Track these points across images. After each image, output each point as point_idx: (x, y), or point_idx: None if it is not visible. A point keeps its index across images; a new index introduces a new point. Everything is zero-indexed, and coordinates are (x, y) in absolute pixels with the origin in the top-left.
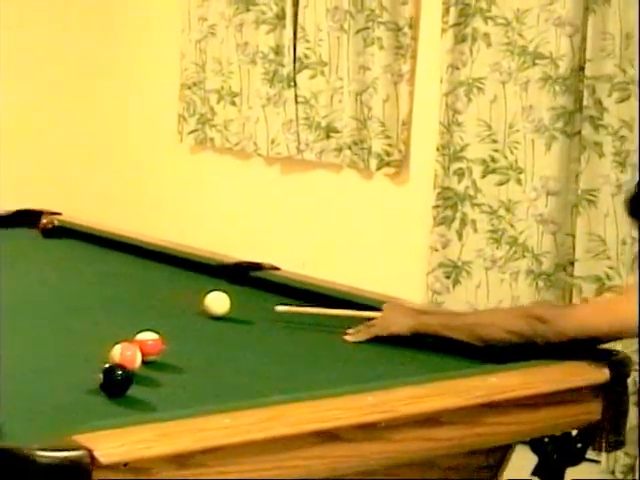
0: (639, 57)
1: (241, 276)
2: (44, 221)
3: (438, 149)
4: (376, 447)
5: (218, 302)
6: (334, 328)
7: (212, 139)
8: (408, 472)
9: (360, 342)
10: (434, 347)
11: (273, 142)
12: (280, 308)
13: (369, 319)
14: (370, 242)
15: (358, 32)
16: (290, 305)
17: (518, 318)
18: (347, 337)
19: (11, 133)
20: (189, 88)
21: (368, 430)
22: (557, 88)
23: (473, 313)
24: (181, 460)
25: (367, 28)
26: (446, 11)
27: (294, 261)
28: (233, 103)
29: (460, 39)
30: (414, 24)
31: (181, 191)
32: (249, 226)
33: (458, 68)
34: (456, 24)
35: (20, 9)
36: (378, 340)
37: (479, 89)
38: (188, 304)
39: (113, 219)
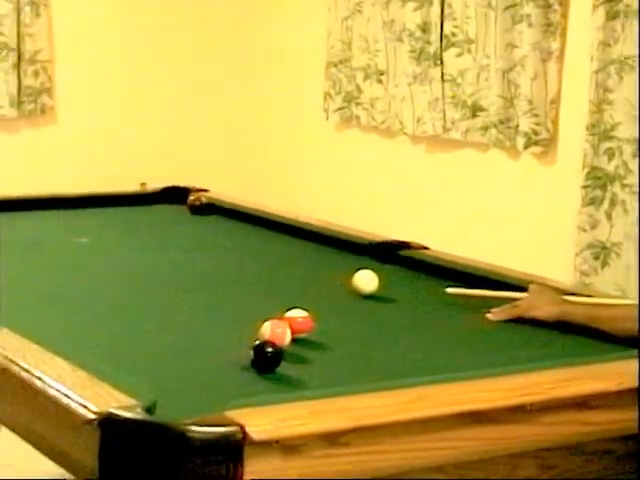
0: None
1: (389, 255)
2: (192, 198)
3: (587, 128)
4: (525, 430)
5: (366, 280)
6: (478, 308)
7: (358, 117)
8: (551, 455)
9: (501, 321)
10: (575, 330)
11: (419, 121)
12: (450, 290)
13: (514, 299)
14: (516, 222)
15: (506, 9)
16: (451, 287)
17: None
18: (489, 315)
19: (160, 112)
20: (335, 66)
21: (517, 412)
22: None
23: (620, 306)
24: (331, 438)
25: (515, 5)
26: None
27: (440, 240)
28: (379, 81)
29: (612, 16)
30: (564, 1)
31: (326, 169)
32: (394, 205)
33: (609, 45)
34: (607, 0)
35: None
36: (519, 321)
37: (631, 67)
38: (336, 282)
39: (259, 196)
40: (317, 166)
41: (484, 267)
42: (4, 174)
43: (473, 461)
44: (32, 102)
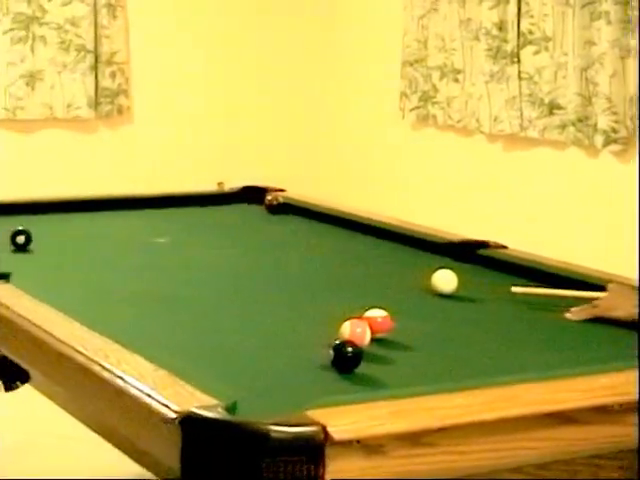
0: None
1: (467, 254)
2: (269, 198)
3: None
4: (609, 430)
5: (446, 280)
6: (557, 307)
7: (434, 116)
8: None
9: (580, 321)
10: None
11: (495, 119)
12: (516, 289)
13: (587, 299)
14: (594, 220)
15: (584, 6)
16: (525, 286)
17: None
18: (569, 315)
19: (236, 111)
20: (411, 65)
21: (601, 413)
22: None
23: None
24: (414, 438)
25: (593, 2)
26: None
27: (518, 239)
28: (456, 80)
29: None
30: None
31: (403, 167)
32: (471, 203)
33: None
34: None
35: None
36: (598, 321)
37: None
38: (415, 281)
39: (336, 196)
40: (393, 165)
41: (562, 266)
42: (82, 174)
43: (554, 462)
44: (109, 103)
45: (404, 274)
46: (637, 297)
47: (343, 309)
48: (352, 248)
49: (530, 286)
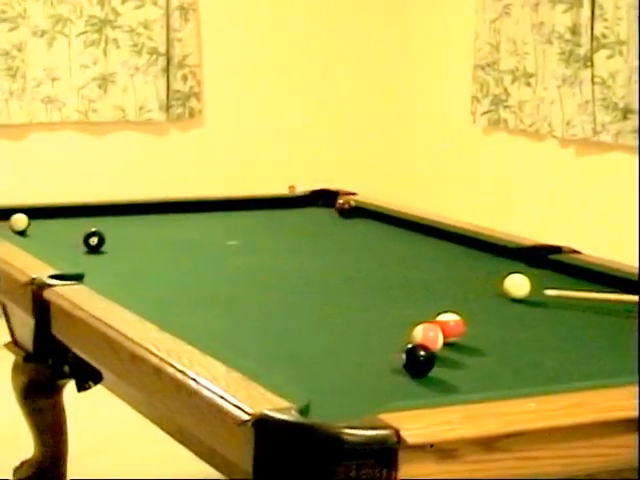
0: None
1: (540, 259)
2: (340, 201)
3: None
4: None
5: (519, 285)
6: (630, 313)
7: (505, 120)
8: None
9: None
10: None
11: (568, 124)
12: (550, 292)
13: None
14: None
15: None
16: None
17: None
18: None
19: (307, 115)
20: (483, 69)
21: None
22: None
23: None
24: (487, 443)
25: None
26: None
27: (591, 244)
28: (528, 84)
29: None
30: None
31: (474, 172)
32: (543, 208)
33: None
34: None
35: None
36: None
37: None
38: (487, 286)
39: (407, 199)
40: (465, 169)
41: (635, 271)
42: (153, 177)
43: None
44: (180, 106)
45: (476, 278)
46: None
47: (415, 313)
48: (424, 252)
49: (586, 290)
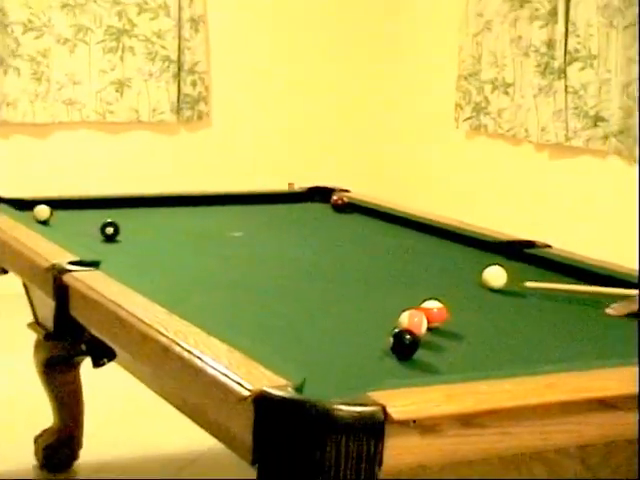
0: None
1: (516, 252)
2: (335, 197)
3: None
4: None
5: (496, 276)
6: (598, 303)
7: (486, 126)
8: None
9: (620, 316)
10: None
11: (543, 129)
12: (530, 284)
13: (621, 296)
14: (632, 223)
15: (627, 27)
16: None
17: None
18: (609, 310)
19: (305, 118)
20: (465, 79)
21: (634, 400)
22: None
23: None
24: (465, 419)
25: (635, 24)
26: None
27: (562, 239)
28: (506, 93)
29: None
30: None
31: (457, 172)
32: (519, 206)
33: None
34: None
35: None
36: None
37: None
38: (467, 277)
39: (396, 197)
40: (448, 170)
41: (601, 265)
42: (164, 173)
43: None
44: (190, 109)
45: (458, 270)
46: None
47: (402, 300)
48: (411, 245)
49: (556, 280)
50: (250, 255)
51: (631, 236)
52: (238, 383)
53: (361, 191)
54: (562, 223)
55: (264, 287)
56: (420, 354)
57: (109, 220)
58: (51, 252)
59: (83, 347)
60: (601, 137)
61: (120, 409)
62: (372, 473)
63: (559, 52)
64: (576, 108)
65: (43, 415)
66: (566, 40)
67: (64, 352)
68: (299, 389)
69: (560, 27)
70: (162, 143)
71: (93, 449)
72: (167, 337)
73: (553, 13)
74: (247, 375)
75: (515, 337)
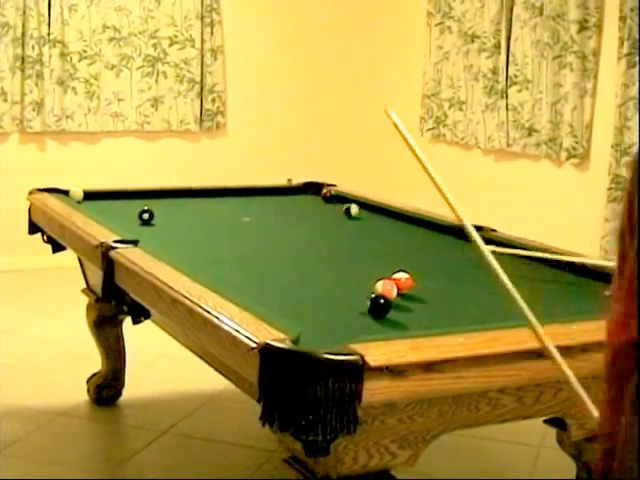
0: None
1: (465, 234)
2: (324, 190)
3: (612, 146)
4: (570, 363)
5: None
6: (542, 274)
7: (444, 135)
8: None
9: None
10: None
11: (489, 138)
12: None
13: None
14: (558, 213)
15: (554, 58)
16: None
17: None
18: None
19: (302, 127)
20: (428, 97)
21: (563, 351)
22: None
23: None
24: (427, 366)
25: (561, 56)
26: (621, 44)
27: (504, 225)
28: (461, 109)
29: (631, 65)
30: (597, 53)
31: (422, 172)
32: (471, 198)
33: (629, 86)
34: (628, 54)
35: (311, 22)
36: None
37: None
38: (429, 253)
39: (374, 190)
40: (415, 169)
41: (537, 245)
42: (190, 171)
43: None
44: (210, 120)
45: (421, 247)
46: None
47: (378, 272)
48: (385, 228)
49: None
50: (257, 236)
51: (557, 221)
52: (247, 337)
53: (346, 185)
54: (505, 212)
55: (267, 261)
56: (391, 314)
57: (145, 208)
58: (100, 233)
59: (125, 308)
60: (534, 144)
61: (154, 357)
62: (353, 407)
63: (502, 77)
64: (515, 121)
65: (93, 362)
66: (507, 68)
67: (110, 312)
68: (295, 342)
69: (502, 57)
70: (188, 148)
71: (133, 388)
72: (191, 300)
73: (497, 46)
74: (255, 331)
75: (468, 301)
